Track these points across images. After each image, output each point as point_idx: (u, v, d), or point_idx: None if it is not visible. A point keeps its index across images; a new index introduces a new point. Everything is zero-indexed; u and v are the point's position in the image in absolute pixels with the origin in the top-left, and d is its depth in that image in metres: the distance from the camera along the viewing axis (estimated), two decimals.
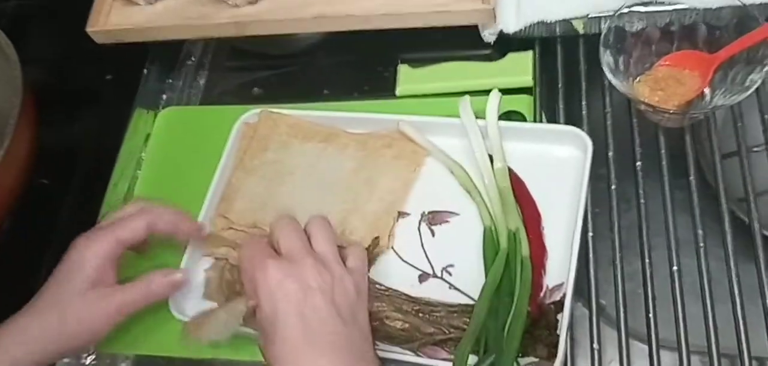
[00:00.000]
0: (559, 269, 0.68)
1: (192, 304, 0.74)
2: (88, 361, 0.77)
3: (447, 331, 0.66)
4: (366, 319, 0.64)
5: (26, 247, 0.84)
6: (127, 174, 0.88)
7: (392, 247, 0.73)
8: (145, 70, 0.96)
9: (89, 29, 0.87)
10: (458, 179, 0.75)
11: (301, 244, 0.64)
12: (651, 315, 0.67)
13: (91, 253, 0.67)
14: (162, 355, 0.76)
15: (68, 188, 0.88)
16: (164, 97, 0.95)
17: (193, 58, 0.98)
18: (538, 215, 0.71)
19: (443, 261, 0.72)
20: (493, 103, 0.75)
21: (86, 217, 0.84)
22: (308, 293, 0.61)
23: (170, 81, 0.96)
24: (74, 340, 0.67)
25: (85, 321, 0.66)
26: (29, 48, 0.88)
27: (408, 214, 0.75)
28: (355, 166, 0.78)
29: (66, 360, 0.77)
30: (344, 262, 0.65)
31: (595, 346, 0.66)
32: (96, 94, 0.94)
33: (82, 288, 0.66)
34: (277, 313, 0.61)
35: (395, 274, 0.71)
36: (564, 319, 0.64)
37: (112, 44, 0.89)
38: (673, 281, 0.68)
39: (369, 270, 0.68)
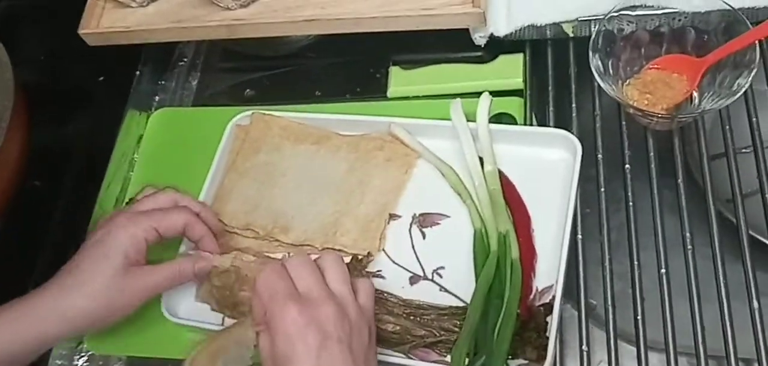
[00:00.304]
0: (549, 271, 0.69)
1: (184, 307, 0.74)
2: (80, 363, 0.78)
3: (438, 334, 0.66)
4: (375, 362, 0.63)
5: (19, 248, 0.84)
6: (120, 175, 0.88)
7: (383, 250, 0.74)
8: (137, 72, 0.96)
9: (81, 31, 0.88)
10: (449, 182, 0.76)
11: (319, 285, 0.62)
12: (639, 316, 0.67)
13: (128, 234, 0.68)
14: (154, 356, 0.76)
15: (60, 190, 0.88)
16: (157, 98, 0.95)
17: (185, 60, 0.98)
18: (528, 218, 0.72)
19: (434, 263, 0.72)
20: (484, 106, 0.76)
21: (79, 219, 0.84)
22: (327, 343, 0.59)
23: (163, 82, 0.97)
24: (104, 316, 0.68)
25: (117, 299, 0.67)
26: (21, 49, 0.88)
27: (399, 216, 0.76)
28: (347, 168, 0.79)
29: (58, 361, 0.78)
30: (355, 293, 0.64)
31: (584, 347, 0.67)
32: (88, 96, 0.94)
33: (115, 266, 0.67)
34: (294, 357, 0.59)
35: (386, 276, 0.72)
36: (554, 321, 0.65)
37: (105, 45, 0.89)
38: (661, 282, 0.68)
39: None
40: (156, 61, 0.97)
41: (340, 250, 0.74)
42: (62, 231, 0.85)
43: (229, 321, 0.72)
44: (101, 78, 0.94)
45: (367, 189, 0.77)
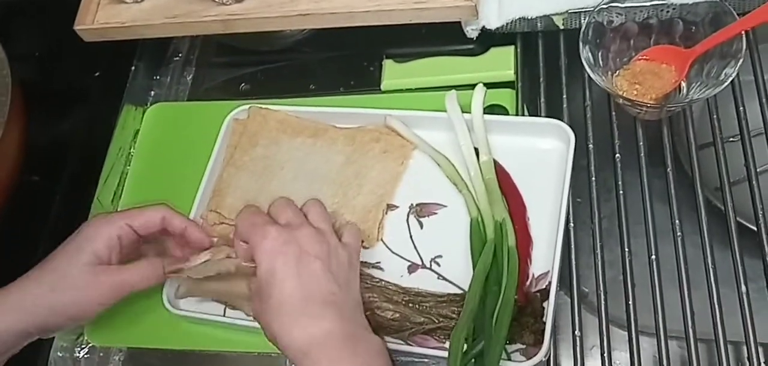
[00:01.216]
0: (544, 258, 0.70)
1: (186, 299, 0.75)
2: (81, 355, 0.78)
3: (436, 320, 0.68)
4: (358, 291, 0.66)
5: (17, 243, 0.85)
6: (117, 170, 0.89)
7: (382, 240, 0.75)
8: (133, 67, 0.97)
9: (77, 27, 0.88)
10: (445, 172, 0.77)
11: (298, 217, 0.67)
12: (631, 302, 0.68)
13: (100, 232, 0.69)
14: (155, 347, 0.77)
15: (58, 185, 0.88)
16: (152, 93, 0.96)
17: (180, 55, 0.99)
18: (524, 206, 0.73)
19: (432, 252, 0.73)
20: (478, 97, 0.77)
21: (77, 214, 0.85)
22: (306, 257, 0.63)
23: (158, 77, 0.97)
24: (66, 312, 0.67)
25: (78, 294, 0.67)
26: (17, 45, 0.89)
27: (396, 207, 0.77)
28: (344, 161, 0.80)
29: (59, 353, 0.78)
30: (339, 238, 0.68)
31: (577, 333, 0.68)
32: (84, 91, 0.94)
33: (84, 263, 0.67)
34: (275, 273, 0.62)
35: (385, 265, 0.73)
36: (550, 307, 0.66)
37: (100, 41, 0.89)
38: (651, 268, 0.69)
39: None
40: (151, 56, 0.98)
41: None
42: (60, 225, 0.85)
43: (230, 312, 0.73)
44: (97, 73, 0.94)
45: (364, 180, 0.78)
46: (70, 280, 0.67)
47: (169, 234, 0.73)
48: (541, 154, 0.77)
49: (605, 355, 0.67)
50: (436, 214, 0.76)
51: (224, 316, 0.73)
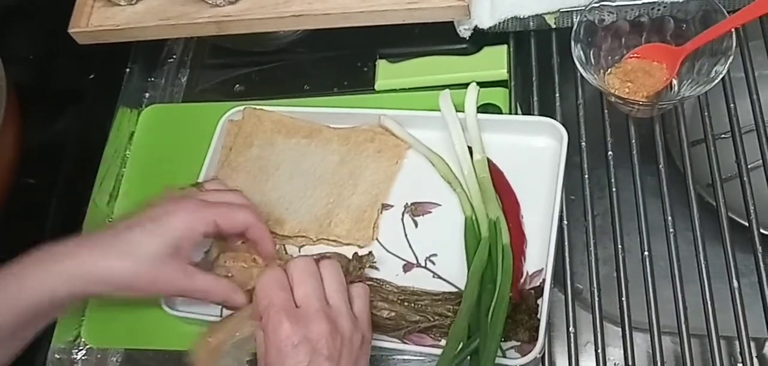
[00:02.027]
0: (538, 255, 0.71)
1: (182, 299, 0.75)
2: (79, 356, 0.79)
3: (432, 319, 0.68)
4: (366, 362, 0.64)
5: (13, 245, 0.84)
6: (113, 172, 0.89)
7: (377, 239, 0.76)
8: (127, 69, 0.97)
9: (71, 30, 0.88)
10: (439, 171, 0.77)
11: (316, 297, 0.63)
12: (624, 298, 0.69)
13: (189, 228, 0.66)
14: (152, 347, 0.77)
15: (54, 187, 0.88)
16: (147, 95, 0.96)
17: (174, 57, 0.99)
18: (517, 204, 0.74)
19: (427, 251, 0.74)
20: (472, 96, 0.77)
21: (73, 215, 0.85)
22: (317, 359, 0.60)
23: (152, 79, 0.97)
24: (131, 285, 0.65)
25: (150, 277, 0.65)
26: (12, 48, 0.89)
27: (391, 206, 0.77)
28: (339, 160, 0.80)
29: (57, 355, 0.78)
30: (351, 304, 0.65)
31: (571, 329, 0.68)
32: (79, 94, 0.94)
33: (166, 251, 0.65)
34: None
35: (380, 264, 0.73)
36: (544, 304, 0.67)
37: (95, 44, 0.90)
38: (644, 265, 0.70)
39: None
40: (145, 58, 0.98)
41: (334, 241, 0.76)
42: (56, 227, 0.86)
43: (227, 312, 0.74)
44: (92, 76, 0.94)
45: (359, 180, 0.79)
46: (146, 256, 0.65)
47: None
48: (534, 153, 0.77)
49: (599, 351, 0.67)
50: (430, 212, 0.76)
51: (221, 316, 0.74)
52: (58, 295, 0.64)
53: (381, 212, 0.77)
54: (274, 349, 0.60)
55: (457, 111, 0.78)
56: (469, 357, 0.65)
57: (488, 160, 0.76)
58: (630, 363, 0.66)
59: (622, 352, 0.67)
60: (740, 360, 0.66)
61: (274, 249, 0.71)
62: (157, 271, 0.65)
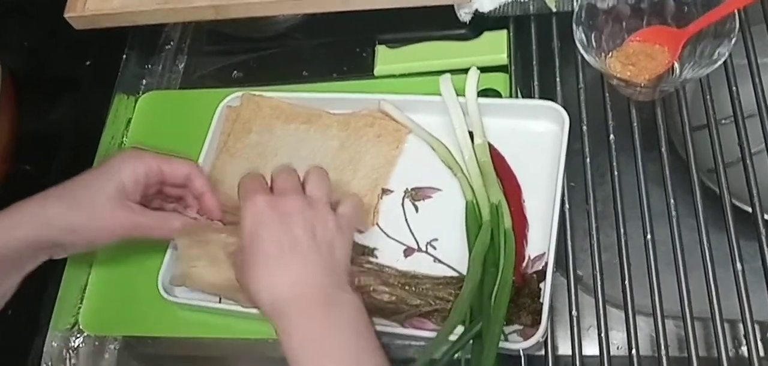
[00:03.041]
0: (540, 240, 0.70)
1: (182, 288, 0.74)
2: (76, 344, 0.78)
3: (433, 303, 0.68)
4: (344, 257, 0.65)
5: None
6: None
7: (377, 224, 0.75)
8: (124, 56, 0.96)
9: (67, 15, 0.87)
10: (439, 156, 0.77)
11: (292, 184, 0.67)
12: (627, 283, 0.68)
13: (129, 166, 0.70)
14: (150, 335, 0.77)
15: (50, 174, 0.87)
16: (144, 81, 0.96)
17: (171, 43, 0.98)
18: (519, 188, 0.73)
19: (427, 235, 0.73)
20: (472, 80, 0.77)
21: None
22: (288, 222, 0.63)
23: (150, 66, 0.97)
24: (81, 233, 0.69)
25: (97, 220, 0.69)
26: (7, 35, 0.89)
27: (392, 191, 0.77)
28: (339, 146, 0.80)
29: (54, 343, 0.78)
30: (335, 208, 0.67)
31: (574, 313, 0.68)
32: (75, 80, 0.93)
33: (109, 192, 0.69)
34: (256, 236, 0.63)
35: (381, 249, 0.73)
36: (546, 287, 0.66)
37: (91, 30, 0.89)
38: (647, 250, 0.69)
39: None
40: (142, 44, 0.98)
41: None
42: None
43: (225, 302, 0.73)
44: (88, 62, 0.94)
45: (358, 165, 0.78)
46: (93, 205, 0.68)
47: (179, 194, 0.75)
48: (535, 137, 0.77)
49: (602, 335, 0.67)
50: (431, 197, 0.76)
51: (220, 302, 0.73)
52: (29, 241, 0.67)
53: (381, 197, 0.76)
54: (247, 221, 0.64)
55: (457, 95, 0.77)
56: (471, 341, 0.64)
57: (489, 145, 0.75)
58: (633, 347, 0.66)
59: (625, 335, 0.67)
60: (744, 343, 0.66)
61: (216, 204, 0.73)
62: (102, 208, 0.69)
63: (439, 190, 0.76)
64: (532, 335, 0.64)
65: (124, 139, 0.90)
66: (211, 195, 0.73)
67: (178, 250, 0.73)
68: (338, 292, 0.62)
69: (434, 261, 0.72)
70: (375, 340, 0.61)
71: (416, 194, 0.76)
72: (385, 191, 0.77)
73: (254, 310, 0.67)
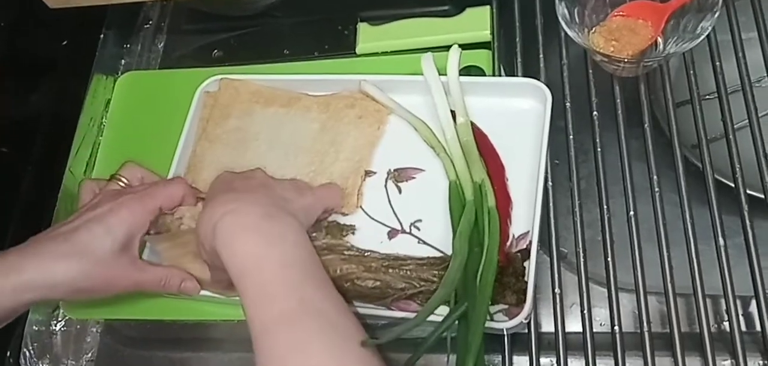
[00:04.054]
0: (524, 218, 0.70)
1: None
2: (57, 328, 0.78)
3: (418, 285, 0.67)
4: (298, 207, 0.66)
5: None
6: (89, 140, 0.88)
7: (361, 207, 0.74)
8: (101, 35, 0.95)
9: None
10: (422, 136, 0.76)
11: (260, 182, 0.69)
12: (610, 259, 0.68)
13: (135, 218, 0.68)
14: (132, 318, 0.77)
15: (29, 155, 0.87)
16: (123, 62, 0.95)
17: (150, 22, 0.97)
18: (502, 167, 0.73)
19: (411, 216, 0.73)
20: (454, 58, 0.76)
21: (49, 185, 0.84)
22: (248, 177, 0.67)
23: (128, 46, 0.96)
24: (86, 290, 0.67)
25: (104, 279, 0.67)
26: None
27: (374, 173, 0.76)
28: (319, 128, 0.78)
29: (35, 327, 0.78)
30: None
31: (557, 290, 0.68)
32: (52, 61, 0.92)
33: (117, 249, 0.67)
34: (212, 190, 0.66)
35: (365, 232, 0.73)
36: (531, 266, 0.66)
37: (66, 9, 0.87)
38: (630, 226, 0.70)
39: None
40: (120, 24, 0.96)
41: None
42: (32, 196, 0.84)
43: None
44: (65, 42, 0.92)
45: (340, 147, 0.77)
46: (99, 260, 0.66)
47: None
48: (518, 115, 0.76)
49: (585, 312, 0.67)
50: (414, 178, 0.75)
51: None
52: (35, 301, 0.66)
53: (364, 179, 0.76)
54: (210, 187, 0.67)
55: (439, 74, 0.76)
56: (457, 322, 0.64)
57: (472, 124, 0.75)
58: (616, 323, 0.66)
59: (607, 312, 0.67)
60: (726, 318, 0.66)
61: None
62: (110, 270, 0.67)
63: (422, 170, 0.75)
64: (518, 315, 0.64)
65: (104, 120, 0.89)
66: (192, 195, 0.73)
67: (160, 254, 0.72)
68: (280, 212, 0.63)
69: (418, 242, 0.71)
70: (316, 256, 0.62)
71: (399, 175, 0.75)
72: (367, 173, 0.76)
73: (232, 297, 0.67)
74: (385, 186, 0.75)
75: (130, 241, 0.68)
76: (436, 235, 0.71)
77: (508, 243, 0.69)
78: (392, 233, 0.72)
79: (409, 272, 0.68)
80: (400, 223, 0.73)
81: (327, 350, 0.56)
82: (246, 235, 0.60)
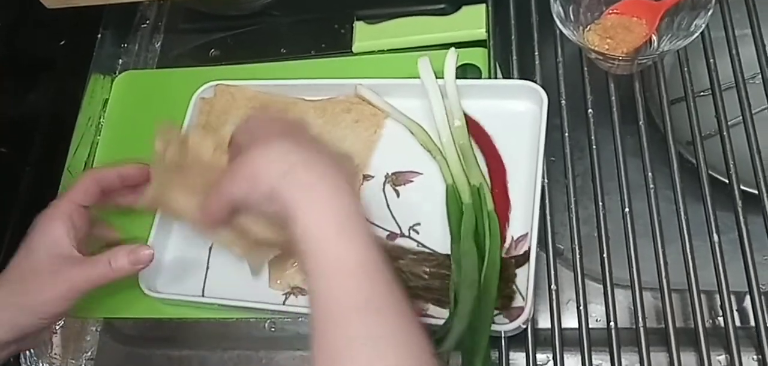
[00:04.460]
0: (522, 221, 0.70)
1: (163, 281, 0.74)
2: (57, 326, 0.78)
3: (411, 279, 0.67)
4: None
5: None
6: (87, 140, 0.88)
7: None
8: (99, 35, 0.95)
9: None
10: (418, 139, 0.76)
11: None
12: (605, 256, 0.69)
13: (47, 226, 0.67)
14: (130, 316, 0.77)
15: (28, 156, 0.87)
16: (120, 61, 0.95)
17: (147, 22, 0.97)
18: (504, 168, 0.73)
19: (410, 220, 0.73)
20: (451, 62, 0.76)
21: (48, 184, 0.84)
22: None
23: (126, 45, 0.96)
24: (39, 314, 0.65)
25: (47, 294, 0.65)
26: None
27: (372, 176, 0.76)
28: (316, 133, 0.78)
29: None
30: None
31: (553, 287, 0.68)
32: (50, 61, 0.92)
33: (43, 260, 0.66)
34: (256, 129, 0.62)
35: None
36: (530, 269, 0.66)
37: (63, 9, 0.87)
38: (625, 223, 0.70)
39: None
40: (118, 23, 0.96)
41: None
42: (31, 196, 0.84)
43: (209, 293, 0.73)
44: (62, 42, 0.92)
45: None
46: (37, 282, 0.65)
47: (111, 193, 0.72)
48: (514, 117, 0.76)
49: (581, 308, 0.67)
50: (412, 182, 0.75)
51: (203, 296, 0.73)
52: None
53: (362, 183, 0.76)
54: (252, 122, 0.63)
55: (436, 76, 0.77)
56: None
57: (476, 124, 0.75)
58: (612, 319, 0.66)
59: (603, 308, 0.68)
60: (721, 313, 0.67)
61: (137, 167, 0.72)
62: (43, 284, 0.65)
63: (420, 173, 0.75)
64: (518, 316, 0.64)
65: (102, 119, 0.89)
66: (124, 167, 0.72)
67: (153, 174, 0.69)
68: (348, 181, 0.58)
69: (418, 246, 0.72)
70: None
71: (397, 179, 0.76)
72: (365, 177, 0.76)
73: (233, 303, 0.67)
74: (383, 190, 0.75)
75: (57, 246, 0.66)
76: (435, 238, 0.71)
77: (507, 245, 0.70)
78: (391, 237, 0.73)
79: (402, 265, 0.68)
80: (399, 227, 0.73)
81: (402, 351, 0.52)
82: (327, 204, 0.55)
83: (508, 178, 0.73)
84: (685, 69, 0.77)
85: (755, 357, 0.66)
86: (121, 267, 0.67)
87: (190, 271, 0.75)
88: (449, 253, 0.69)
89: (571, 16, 0.76)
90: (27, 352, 0.77)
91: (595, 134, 0.75)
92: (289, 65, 0.87)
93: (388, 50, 0.86)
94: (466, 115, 0.76)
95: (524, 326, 0.66)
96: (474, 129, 0.76)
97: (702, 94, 0.77)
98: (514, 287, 0.66)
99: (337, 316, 0.52)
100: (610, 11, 0.77)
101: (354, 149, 0.77)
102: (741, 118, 0.74)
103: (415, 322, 0.54)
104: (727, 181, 0.72)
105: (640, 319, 0.66)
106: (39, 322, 0.66)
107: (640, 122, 0.75)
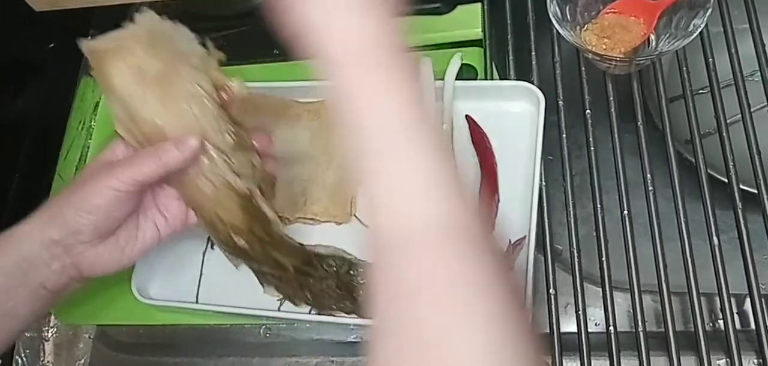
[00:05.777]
0: (519, 224, 0.69)
1: (156, 287, 0.74)
2: (50, 334, 0.77)
3: None
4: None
5: None
6: (78, 144, 0.87)
7: (355, 215, 0.74)
8: (89, 37, 0.94)
9: None
10: None
11: None
12: (604, 258, 0.68)
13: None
14: (123, 323, 0.76)
15: (18, 160, 0.86)
16: None
17: None
18: (495, 174, 0.72)
19: None
20: (453, 67, 0.76)
21: (38, 189, 0.83)
22: None
23: None
24: (83, 207, 0.62)
25: (95, 185, 0.62)
26: None
27: None
28: (310, 136, 0.78)
29: (27, 334, 0.77)
30: None
31: (552, 291, 0.68)
32: (40, 64, 0.91)
33: (97, 164, 0.65)
34: None
35: (360, 240, 0.71)
36: (529, 272, 0.66)
37: (52, 11, 0.86)
38: (624, 224, 0.69)
39: None
40: (108, 25, 0.94)
41: (311, 219, 0.74)
42: (21, 200, 0.84)
43: (202, 299, 0.72)
44: (52, 45, 0.91)
45: (332, 155, 0.76)
46: (85, 178, 0.63)
47: None
48: (511, 118, 0.76)
49: (580, 312, 0.67)
50: None
51: (197, 302, 0.72)
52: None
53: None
54: None
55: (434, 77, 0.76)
56: None
57: (472, 120, 0.74)
58: (611, 322, 0.66)
59: (603, 312, 0.67)
60: (721, 316, 0.66)
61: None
62: (108, 179, 0.63)
63: None
64: None
65: (92, 123, 0.88)
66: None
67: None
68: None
69: None
70: None
71: None
72: None
73: (227, 309, 0.67)
74: None
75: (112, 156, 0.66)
76: None
77: (505, 250, 0.69)
78: None
79: None
80: None
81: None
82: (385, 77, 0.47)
83: (501, 179, 0.72)
84: (684, 67, 0.76)
85: (756, 360, 0.66)
86: (171, 158, 0.63)
87: (184, 277, 0.74)
88: None
89: (568, 16, 0.75)
90: (19, 359, 0.76)
91: (594, 133, 0.74)
92: (283, 67, 0.86)
93: None
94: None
95: None
96: (471, 130, 0.75)
97: (701, 91, 0.76)
98: None
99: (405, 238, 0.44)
100: (608, 10, 0.77)
101: None
102: (740, 115, 0.73)
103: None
104: (726, 179, 0.71)
105: (640, 323, 0.65)
106: (84, 216, 0.62)
107: (639, 121, 0.74)
